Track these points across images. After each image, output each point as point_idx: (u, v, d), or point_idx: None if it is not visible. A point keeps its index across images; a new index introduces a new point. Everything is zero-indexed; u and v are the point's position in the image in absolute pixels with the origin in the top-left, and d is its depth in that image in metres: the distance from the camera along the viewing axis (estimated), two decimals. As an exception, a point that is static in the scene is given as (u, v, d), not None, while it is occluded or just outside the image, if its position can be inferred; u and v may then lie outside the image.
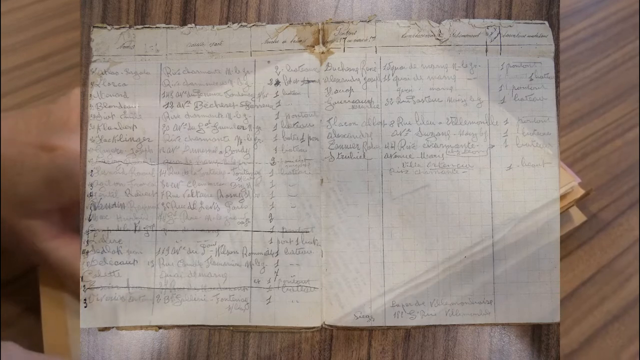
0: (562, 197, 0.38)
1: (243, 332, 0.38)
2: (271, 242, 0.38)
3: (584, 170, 0.43)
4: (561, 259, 0.41)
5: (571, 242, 0.41)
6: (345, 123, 0.39)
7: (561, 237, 0.39)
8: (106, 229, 0.38)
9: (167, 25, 0.41)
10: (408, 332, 0.38)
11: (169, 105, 0.40)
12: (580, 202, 0.40)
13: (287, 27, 0.40)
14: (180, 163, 0.39)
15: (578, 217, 0.41)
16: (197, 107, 0.40)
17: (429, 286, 0.38)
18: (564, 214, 0.40)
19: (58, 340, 0.34)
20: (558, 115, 0.39)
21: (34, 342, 0.34)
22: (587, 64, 0.48)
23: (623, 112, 0.46)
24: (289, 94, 0.39)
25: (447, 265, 0.38)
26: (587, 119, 0.46)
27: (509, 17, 0.40)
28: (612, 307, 0.39)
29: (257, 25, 0.40)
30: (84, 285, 0.38)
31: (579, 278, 0.40)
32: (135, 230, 0.38)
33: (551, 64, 0.40)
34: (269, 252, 0.38)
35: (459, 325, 0.38)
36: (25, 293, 0.37)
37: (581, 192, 0.39)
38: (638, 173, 0.43)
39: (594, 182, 0.43)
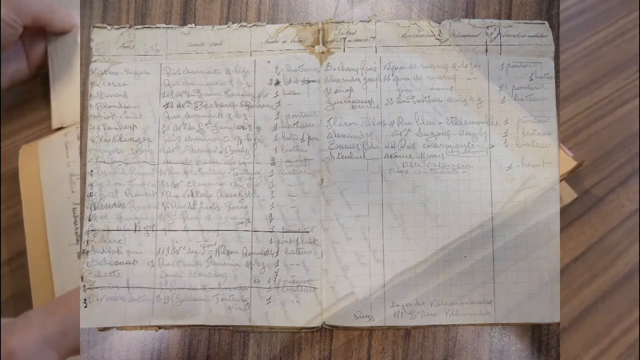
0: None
1: (243, 332, 0.38)
2: (271, 242, 0.38)
3: (575, 146, 0.43)
4: None
5: (562, 220, 0.41)
6: (345, 123, 0.39)
7: None
8: (106, 229, 0.38)
9: (167, 25, 0.41)
10: (408, 332, 0.38)
11: (169, 105, 0.40)
12: (572, 178, 0.40)
13: (287, 27, 0.40)
14: (180, 163, 0.39)
15: (569, 194, 0.41)
16: (197, 107, 0.40)
17: (429, 286, 0.38)
18: None
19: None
20: (558, 115, 0.39)
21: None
22: (577, 41, 0.48)
23: (614, 89, 0.46)
24: (289, 94, 0.39)
25: (447, 266, 0.38)
26: (578, 95, 0.46)
27: (509, 17, 0.40)
28: (603, 284, 0.39)
29: (257, 25, 0.40)
30: (84, 285, 0.38)
31: (570, 255, 0.40)
32: (135, 230, 0.38)
33: (551, 64, 0.40)
34: (269, 252, 0.38)
35: (459, 325, 0.38)
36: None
37: (573, 163, 0.39)
38: (632, 148, 0.43)
39: (586, 158, 0.43)
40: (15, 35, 0.37)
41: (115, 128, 0.39)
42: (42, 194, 0.37)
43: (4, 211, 0.40)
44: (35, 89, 0.43)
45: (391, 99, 0.39)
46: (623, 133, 0.45)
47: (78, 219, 0.38)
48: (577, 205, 0.41)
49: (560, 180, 0.39)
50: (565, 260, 0.40)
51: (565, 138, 0.44)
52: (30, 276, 0.36)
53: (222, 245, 0.38)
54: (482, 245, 0.38)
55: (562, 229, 0.41)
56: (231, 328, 0.38)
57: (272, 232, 0.38)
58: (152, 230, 0.38)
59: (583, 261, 0.40)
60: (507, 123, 0.39)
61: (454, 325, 0.38)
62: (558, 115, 0.39)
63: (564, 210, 0.41)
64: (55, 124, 0.40)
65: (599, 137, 0.44)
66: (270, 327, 0.37)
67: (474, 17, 0.40)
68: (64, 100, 0.41)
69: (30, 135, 0.43)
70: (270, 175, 0.39)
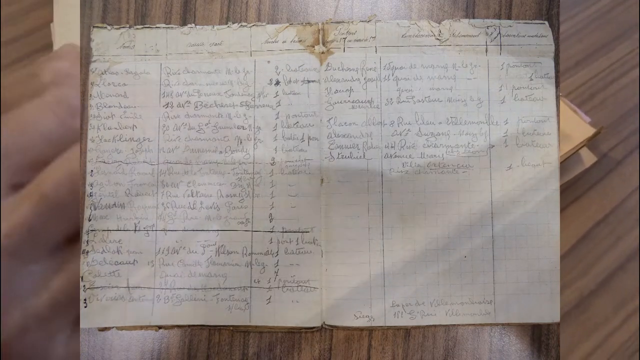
0: (573, 137, 0.38)
1: (243, 332, 0.38)
2: (271, 242, 0.38)
3: (592, 110, 0.43)
4: (573, 202, 0.41)
5: (583, 184, 0.40)
6: (345, 123, 0.39)
7: (572, 179, 0.38)
8: (106, 229, 0.38)
9: (167, 25, 0.41)
10: (408, 332, 0.38)
11: (169, 105, 0.40)
12: (591, 143, 0.40)
13: (287, 27, 0.40)
14: (180, 163, 0.39)
15: (589, 158, 0.41)
16: (197, 107, 0.40)
17: (429, 286, 0.38)
18: (575, 155, 0.39)
19: None
20: (558, 115, 0.39)
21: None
22: (587, 4, 0.48)
23: (627, 50, 0.46)
24: (289, 94, 0.39)
25: (447, 266, 0.38)
26: (592, 59, 0.45)
27: (509, 17, 0.40)
28: (627, 247, 0.39)
29: (257, 25, 0.40)
30: (84, 285, 0.38)
31: (592, 219, 0.39)
32: (135, 230, 0.38)
33: (551, 64, 0.39)
34: (269, 252, 0.38)
35: (459, 325, 0.38)
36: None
37: (592, 130, 0.39)
38: None
39: (602, 122, 0.42)
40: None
41: (115, 128, 0.39)
42: None
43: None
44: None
45: (391, 99, 0.39)
46: (638, 94, 0.44)
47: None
48: (597, 169, 0.41)
49: (580, 148, 0.39)
50: (588, 224, 0.39)
51: (582, 102, 0.43)
52: None
53: (222, 245, 0.38)
54: (482, 245, 0.38)
55: (582, 193, 0.40)
56: (231, 328, 0.38)
57: (272, 232, 0.38)
58: (152, 230, 0.38)
59: (606, 224, 0.39)
60: (507, 123, 0.39)
61: (454, 325, 0.38)
62: (558, 115, 0.39)
63: (583, 175, 0.40)
64: None
65: (615, 100, 0.44)
66: (270, 327, 0.37)
67: (474, 17, 0.40)
68: None
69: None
70: (270, 175, 0.39)
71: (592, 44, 0.46)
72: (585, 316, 0.37)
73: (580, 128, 0.39)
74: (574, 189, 0.40)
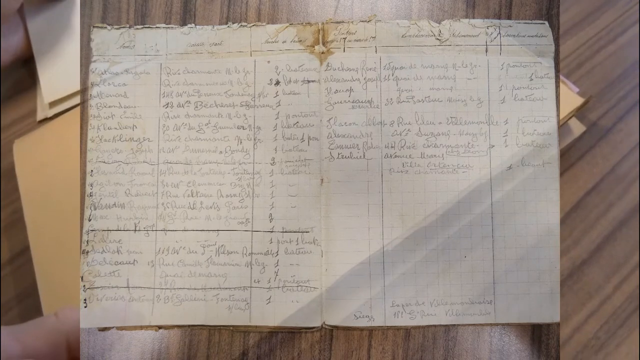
0: (562, 108, 0.38)
1: (243, 332, 0.38)
2: (271, 242, 0.38)
3: (580, 80, 0.43)
4: (564, 172, 0.41)
5: (573, 154, 0.40)
6: (345, 123, 0.39)
7: (562, 149, 0.38)
8: (106, 229, 0.38)
9: (167, 25, 0.41)
10: (408, 332, 0.38)
11: (169, 105, 0.40)
12: (579, 112, 0.40)
13: (287, 27, 0.40)
14: (180, 163, 0.39)
15: (577, 127, 0.41)
16: (197, 107, 0.40)
17: (428, 286, 0.38)
18: (564, 126, 0.39)
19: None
20: (558, 115, 0.39)
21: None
22: None
23: (613, 17, 0.46)
24: (289, 94, 0.39)
25: (447, 266, 0.38)
26: (578, 27, 0.46)
27: (509, 17, 0.40)
28: (618, 213, 0.39)
29: (257, 25, 0.40)
30: (84, 285, 0.38)
31: (583, 188, 0.39)
32: (135, 230, 0.38)
33: (551, 64, 0.39)
34: (269, 252, 0.38)
35: (459, 325, 0.38)
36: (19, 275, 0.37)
37: (580, 100, 0.39)
38: (637, 75, 0.43)
39: (591, 90, 0.43)
40: (15, 6, 0.35)
41: (115, 128, 0.39)
42: (41, 186, 0.37)
43: (3, 208, 0.40)
44: (25, 80, 0.43)
45: (391, 99, 0.39)
46: (626, 61, 0.44)
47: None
48: (586, 138, 0.41)
49: (569, 118, 0.39)
50: (579, 194, 0.39)
51: (569, 72, 0.43)
52: (36, 273, 0.36)
53: (222, 245, 0.38)
54: (482, 246, 0.38)
55: (573, 163, 0.40)
56: (231, 328, 0.38)
57: (272, 232, 0.38)
58: (152, 230, 0.38)
59: (597, 192, 0.39)
60: (507, 123, 0.39)
61: (454, 325, 0.38)
62: (558, 115, 0.39)
63: (573, 145, 0.40)
64: (40, 115, 0.41)
65: (603, 68, 0.44)
66: (270, 327, 0.37)
67: (474, 17, 0.40)
68: (52, 81, 0.40)
69: (22, 129, 0.43)
70: (270, 175, 0.39)
71: (578, 13, 0.46)
72: (579, 285, 0.37)
73: (569, 98, 0.38)
74: (564, 159, 0.40)
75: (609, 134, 0.41)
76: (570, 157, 0.40)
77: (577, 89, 0.39)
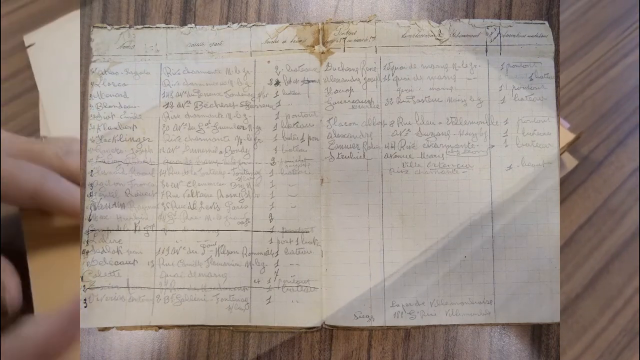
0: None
1: (243, 332, 0.38)
2: (271, 242, 0.38)
3: (571, 114, 0.43)
4: None
5: (566, 188, 0.41)
6: (345, 123, 0.39)
7: None
8: (106, 229, 0.38)
9: (167, 25, 0.41)
10: (408, 332, 0.38)
11: (169, 105, 0.40)
12: (571, 146, 0.40)
13: (287, 27, 0.40)
14: (180, 163, 0.39)
15: (570, 161, 0.41)
16: (197, 107, 0.40)
17: (429, 286, 0.38)
18: None
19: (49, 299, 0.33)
20: (558, 115, 0.39)
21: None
22: (565, 6, 0.48)
23: (603, 51, 0.46)
24: (289, 94, 0.39)
25: (447, 266, 0.38)
26: (569, 62, 0.46)
27: (509, 17, 0.40)
28: (611, 246, 0.39)
29: (257, 25, 0.40)
30: (84, 285, 0.38)
31: (576, 222, 0.40)
32: (135, 230, 0.38)
33: (551, 64, 0.40)
34: (269, 252, 0.38)
35: (459, 325, 0.38)
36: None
37: (572, 136, 0.39)
38: (627, 107, 0.43)
39: (582, 124, 0.43)
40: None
41: (115, 128, 0.39)
42: None
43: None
44: (14, 87, 0.43)
45: (391, 99, 0.39)
46: (617, 93, 0.45)
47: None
48: (578, 172, 0.41)
49: (561, 154, 0.39)
50: (572, 227, 0.39)
51: (561, 107, 0.44)
52: (30, 276, 0.36)
53: (222, 245, 0.38)
54: (482, 245, 0.38)
55: (565, 197, 0.41)
56: (231, 328, 0.38)
57: (272, 232, 0.38)
58: (152, 230, 0.38)
59: (590, 226, 0.40)
60: (507, 123, 0.39)
61: (454, 325, 0.38)
62: (558, 115, 0.39)
63: (565, 179, 0.41)
64: (43, 132, 0.41)
65: (594, 101, 0.44)
66: (270, 327, 0.37)
67: (474, 17, 0.40)
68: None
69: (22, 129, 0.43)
70: (270, 175, 0.39)
71: (569, 47, 0.47)
72: (573, 319, 0.37)
73: (560, 135, 0.39)
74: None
75: (600, 167, 0.42)
76: (563, 191, 0.41)
77: (568, 125, 0.39)
